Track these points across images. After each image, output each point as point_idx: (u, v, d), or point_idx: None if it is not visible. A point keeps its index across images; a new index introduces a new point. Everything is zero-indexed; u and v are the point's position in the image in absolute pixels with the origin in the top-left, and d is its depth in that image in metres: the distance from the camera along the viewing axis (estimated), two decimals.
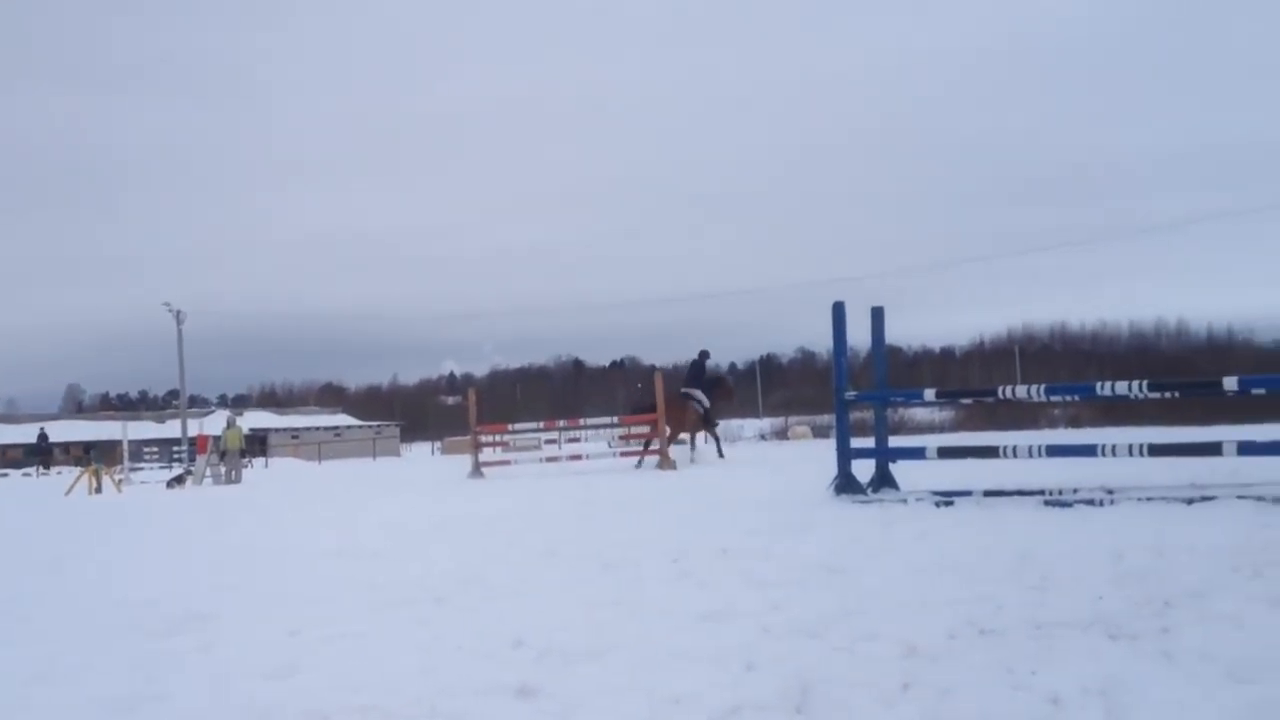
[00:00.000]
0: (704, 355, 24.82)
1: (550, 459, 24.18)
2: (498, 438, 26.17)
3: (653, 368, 36.45)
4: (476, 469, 22.49)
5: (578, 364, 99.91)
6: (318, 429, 76.68)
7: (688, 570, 6.84)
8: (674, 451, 22.32)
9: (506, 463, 24.18)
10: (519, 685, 4.13)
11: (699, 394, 24.07)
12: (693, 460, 23.13)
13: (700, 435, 24.56)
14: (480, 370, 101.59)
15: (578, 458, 23.87)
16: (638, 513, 10.94)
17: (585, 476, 18.71)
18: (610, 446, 23.71)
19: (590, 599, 5.98)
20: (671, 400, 23.81)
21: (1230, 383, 10.08)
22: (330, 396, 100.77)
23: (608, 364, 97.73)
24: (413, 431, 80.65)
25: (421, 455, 60.46)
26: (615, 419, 25.43)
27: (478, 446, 23.27)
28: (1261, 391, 14.37)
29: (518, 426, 26.13)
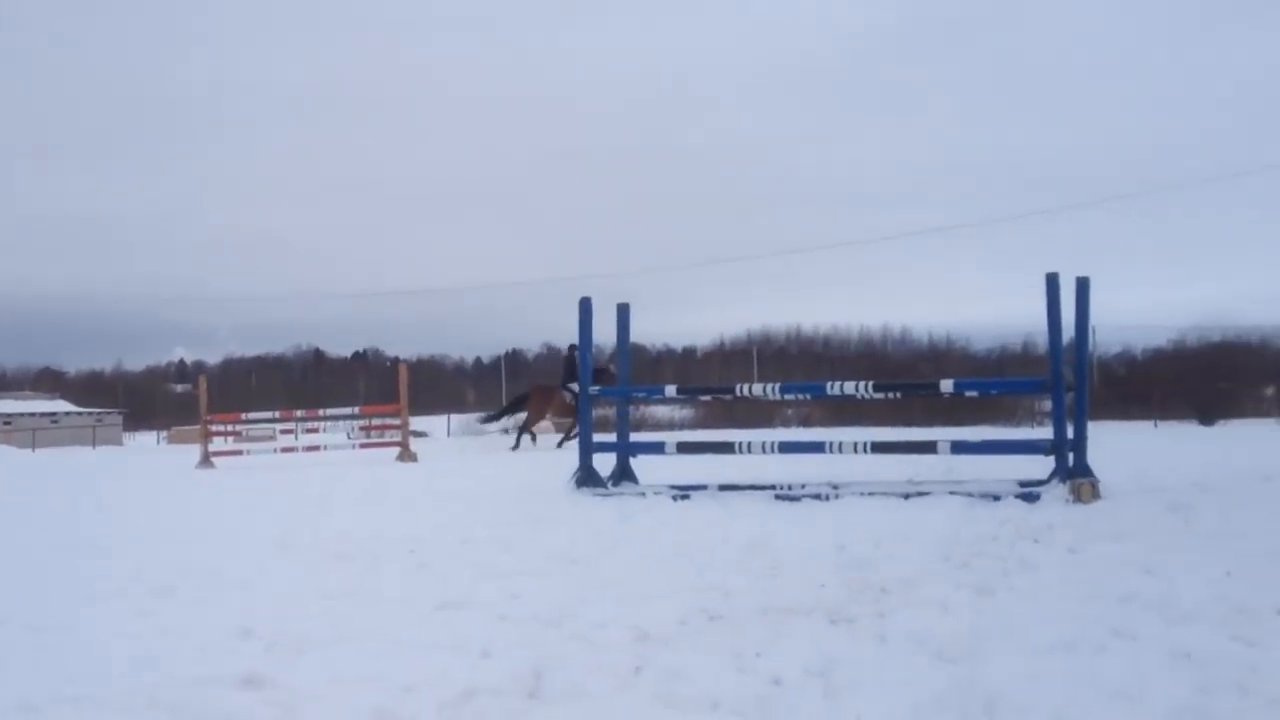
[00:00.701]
0: (573, 349, 25.24)
1: (286, 450, 23.51)
2: (230, 427, 25.21)
3: (395, 359, 35.87)
4: (206, 459, 21.63)
5: (318, 354, 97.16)
6: (32, 415, 71.96)
7: (426, 561, 6.79)
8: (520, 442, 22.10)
9: (239, 453, 23.32)
10: (245, 675, 4.01)
11: (575, 387, 24.48)
12: (560, 446, 23.82)
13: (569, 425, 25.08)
14: (213, 358, 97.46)
15: (315, 449, 23.28)
16: (376, 504, 10.78)
17: (323, 468, 18.27)
18: (350, 438, 23.27)
19: (323, 590, 5.86)
20: (538, 390, 24.40)
21: (946, 385, 10.76)
22: (48, 381, 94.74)
23: (349, 355, 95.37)
24: (138, 420, 76.71)
25: (147, 444, 57.64)
26: (356, 409, 24.97)
27: (208, 436, 22.39)
28: (974, 394, 15.38)
29: (252, 416, 25.29)
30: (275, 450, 23.76)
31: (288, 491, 13.08)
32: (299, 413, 24.88)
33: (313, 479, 15.04)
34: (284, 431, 27.66)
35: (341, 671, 4.09)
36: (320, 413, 24.83)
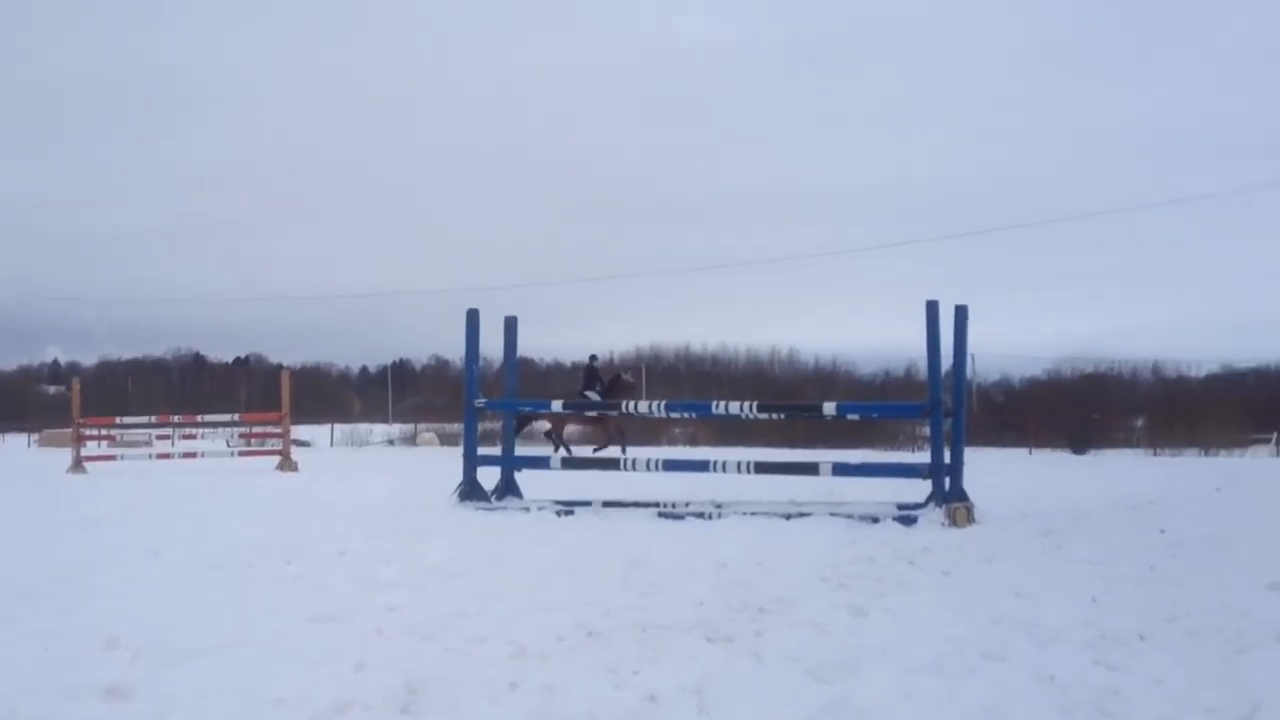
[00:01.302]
0: (592, 359, 25.26)
1: (162, 456, 22.95)
2: (104, 431, 24.50)
3: (279, 366, 35.30)
4: (78, 464, 21.00)
5: (198, 358, 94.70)
6: None
7: (302, 572, 6.67)
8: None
9: (112, 458, 22.67)
10: (109, 686, 3.89)
11: (593, 396, 24.10)
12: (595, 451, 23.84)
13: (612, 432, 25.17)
14: (88, 359, 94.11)
15: (193, 455, 22.74)
16: (254, 514, 10.56)
17: (200, 476, 17.85)
18: (229, 445, 22.79)
19: (195, 600, 5.72)
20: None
21: (829, 408, 10.98)
22: None
23: (231, 360, 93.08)
24: (7, 421, 74.03)
25: (16, 447, 55.74)
26: (235, 417, 24.49)
27: (80, 440, 21.74)
28: (855, 417, 15.61)
29: (127, 420, 24.64)
30: (150, 456, 23.17)
31: (161, 499, 12.76)
32: (176, 418, 24.31)
33: (188, 487, 14.70)
34: (160, 437, 26.97)
35: (210, 683, 4.00)
36: (198, 419, 24.28)
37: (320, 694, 3.84)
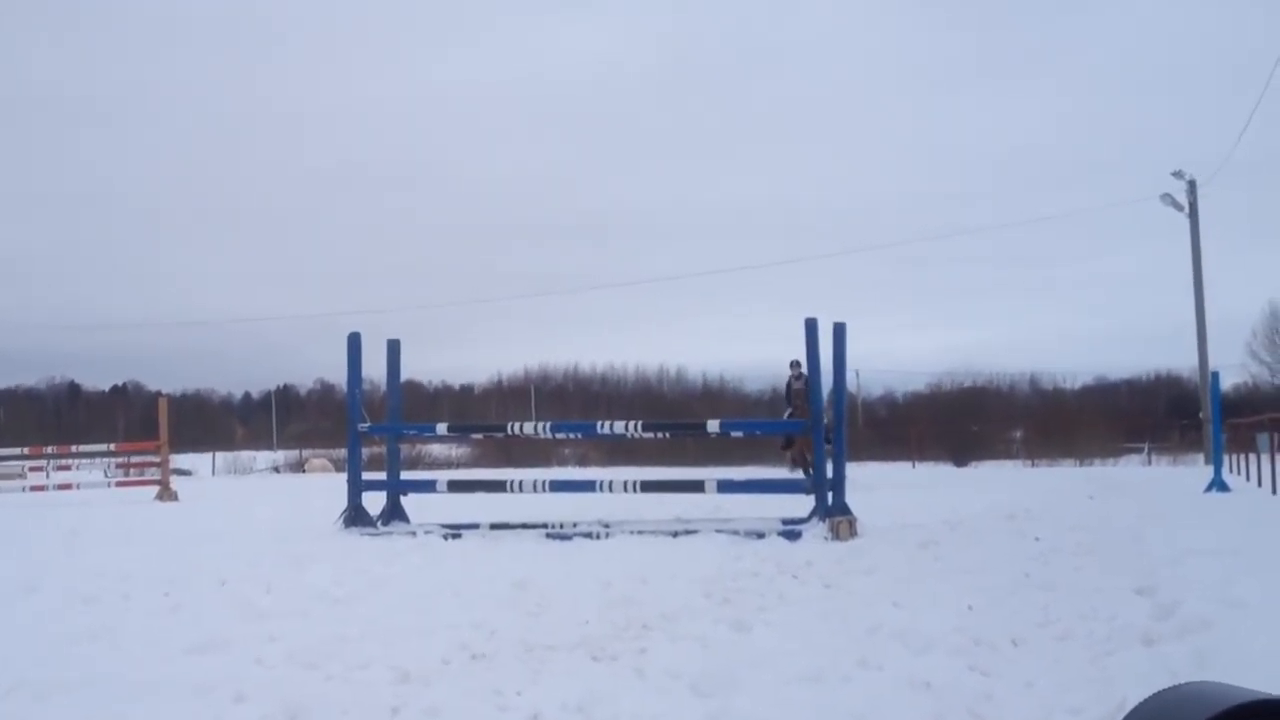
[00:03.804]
0: (795, 365, 20.10)
1: (36, 488, 22.24)
2: None
3: (158, 394, 34.28)
4: None
5: (73, 387, 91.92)
6: None
7: (180, 602, 6.54)
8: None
9: None
10: None
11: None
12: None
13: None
14: None
15: (68, 487, 22.09)
16: (131, 545, 10.31)
17: (76, 508, 17.34)
18: (106, 476, 22.19)
19: (69, 633, 5.58)
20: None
21: (713, 425, 11.10)
22: None
23: (108, 389, 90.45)
24: None
25: None
26: (111, 447, 23.86)
27: None
28: (739, 434, 15.77)
29: None
30: (24, 489, 22.44)
31: (36, 531, 12.37)
32: (49, 449, 23.59)
33: (64, 519, 14.26)
34: (34, 469, 26.13)
35: (84, 717, 3.92)
36: (73, 449, 23.59)
37: None
